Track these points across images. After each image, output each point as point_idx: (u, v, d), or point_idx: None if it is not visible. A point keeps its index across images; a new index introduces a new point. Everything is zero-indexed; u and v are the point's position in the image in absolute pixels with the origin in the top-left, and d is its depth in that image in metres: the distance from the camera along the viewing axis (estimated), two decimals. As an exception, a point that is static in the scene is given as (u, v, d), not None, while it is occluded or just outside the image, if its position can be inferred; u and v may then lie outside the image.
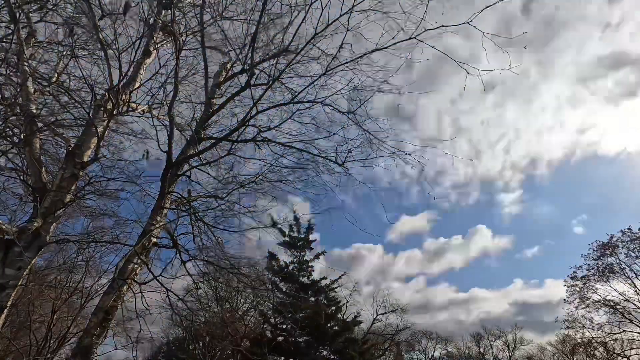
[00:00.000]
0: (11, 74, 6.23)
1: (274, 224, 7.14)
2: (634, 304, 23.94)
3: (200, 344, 22.56)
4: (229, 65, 7.89)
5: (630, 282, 23.95)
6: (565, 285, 25.94)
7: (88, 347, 4.90)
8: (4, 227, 4.42)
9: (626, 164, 74.69)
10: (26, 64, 5.28)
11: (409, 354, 46.06)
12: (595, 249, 25.04)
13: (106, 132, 5.55)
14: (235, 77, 7.64)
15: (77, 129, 6.91)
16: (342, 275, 20.50)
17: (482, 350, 50.34)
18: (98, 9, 5.44)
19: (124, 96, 5.78)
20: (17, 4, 5.39)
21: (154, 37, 6.60)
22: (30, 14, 6.09)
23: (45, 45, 6.62)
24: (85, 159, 5.26)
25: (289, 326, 18.39)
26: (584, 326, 24.92)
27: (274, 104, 6.89)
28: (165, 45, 7.13)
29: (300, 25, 5.81)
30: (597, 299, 24.81)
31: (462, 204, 76.84)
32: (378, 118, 6.69)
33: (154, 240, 5.90)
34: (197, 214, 6.51)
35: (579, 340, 26.07)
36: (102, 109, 5.63)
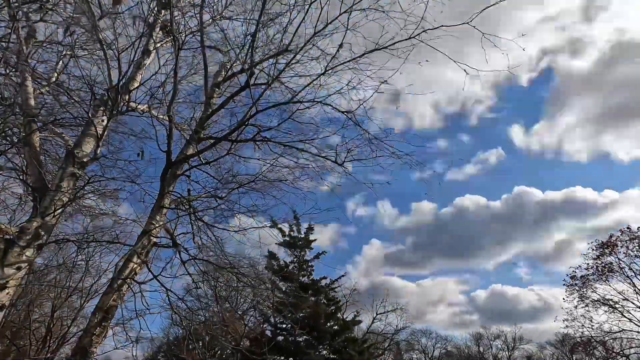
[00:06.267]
0: (11, 73, 6.22)
1: (274, 224, 7.14)
2: (633, 303, 23.96)
3: (200, 344, 22.54)
4: (228, 65, 7.88)
5: (629, 281, 23.97)
6: (564, 284, 26.00)
7: (88, 347, 4.90)
8: (3, 226, 4.43)
9: None
10: (25, 63, 5.28)
11: (409, 354, 46.08)
12: (594, 248, 25.06)
13: (106, 132, 5.55)
14: (235, 76, 7.63)
15: (76, 128, 6.90)
16: (343, 275, 20.55)
17: (481, 349, 50.37)
18: (98, 9, 5.43)
19: (123, 96, 5.77)
20: (17, 4, 5.39)
21: (154, 37, 6.60)
22: (30, 14, 6.08)
23: (45, 45, 6.61)
24: (85, 158, 5.26)
25: (289, 326, 18.38)
26: (583, 325, 24.94)
27: (273, 104, 6.89)
28: (164, 45, 7.12)
29: (299, 24, 5.82)
30: (596, 298, 24.83)
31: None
32: (377, 118, 6.68)
33: (154, 239, 5.90)
34: (196, 214, 6.51)
35: (578, 340, 26.08)
36: (102, 108, 5.63)
